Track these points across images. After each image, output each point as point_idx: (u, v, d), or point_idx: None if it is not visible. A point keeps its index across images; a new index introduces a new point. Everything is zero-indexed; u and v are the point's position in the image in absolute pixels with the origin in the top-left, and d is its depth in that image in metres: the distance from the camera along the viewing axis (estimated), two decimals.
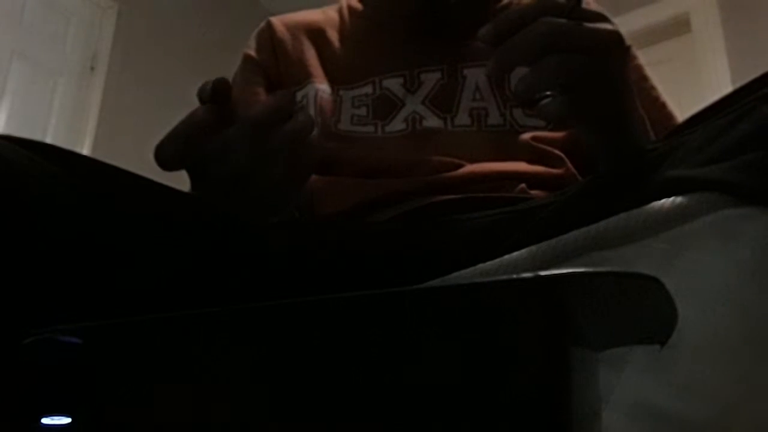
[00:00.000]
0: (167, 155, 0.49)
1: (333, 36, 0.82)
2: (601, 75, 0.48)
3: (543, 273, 0.24)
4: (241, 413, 0.30)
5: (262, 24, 0.85)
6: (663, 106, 0.76)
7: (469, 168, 0.66)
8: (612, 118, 0.53)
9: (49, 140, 2.81)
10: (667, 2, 3.10)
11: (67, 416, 0.32)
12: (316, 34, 0.82)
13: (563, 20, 0.45)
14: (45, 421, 0.32)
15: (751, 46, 2.79)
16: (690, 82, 2.84)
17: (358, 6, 0.85)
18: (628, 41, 0.76)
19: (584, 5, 0.47)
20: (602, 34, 0.47)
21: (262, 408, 0.30)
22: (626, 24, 0.80)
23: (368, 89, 0.75)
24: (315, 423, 0.29)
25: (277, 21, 0.84)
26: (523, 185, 0.64)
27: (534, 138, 0.69)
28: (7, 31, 2.79)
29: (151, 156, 0.48)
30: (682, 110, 0.76)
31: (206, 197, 0.52)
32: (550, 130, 0.70)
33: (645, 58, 0.78)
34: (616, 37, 0.47)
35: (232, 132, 0.49)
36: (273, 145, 0.49)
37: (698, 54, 2.95)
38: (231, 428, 0.30)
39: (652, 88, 0.77)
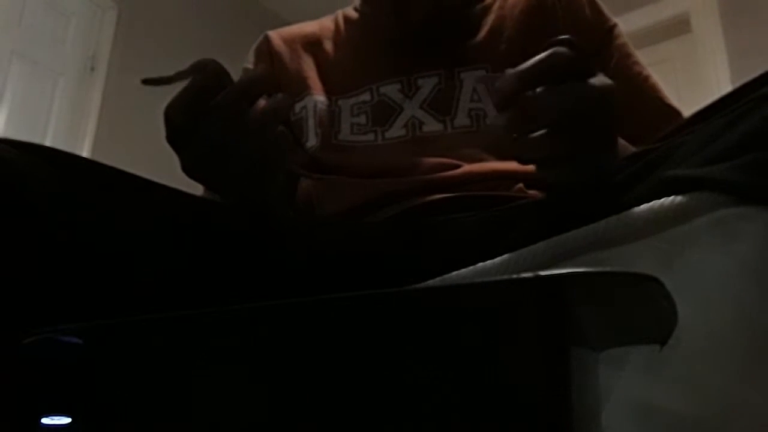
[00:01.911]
0: (175, 110, 0.51)
1: (329, 46, 0.83)
2: (605, 130, 0.50)
3: (543, 273, 0.24)
4: (241, 413, 0.30)
5: (260, 38, 0.87)
6: (646, 79, 0.76)
7: (467, 168, 0.66)
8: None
9: (49, 140, 2.81)
10: (667, 2, 3.10)
11: (67, 416, 0.32)
12: (312, 45, 0.83)
13: (583, 86, 0.47)
14: (45, 421, 0.32)
15: (751, 46, 2.79)
16: (690, 82, 2.84)
17: (354, 15, 0.86)
18: (624, 30, 0.77)
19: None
20: (609, 92, 0.48)
21: (261, 407, 0.30)
22: (626, 24, 0.80)
23: (366, 96, 0.76)
24: (315, 423, 0.29)
25: (274, 34, 0.86)
26: (520, 185, 0.64)
27: None
28: (7, 31, 2.78)
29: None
30: (682, 110, 0.77)
31: (190, 171, 0.54)
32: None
33: (645, 58, 0.78)
34: (613, 89, 0.49)
35: (219, 98, 0.51)
36: (252, 117, 0.51)
37: (698, 54, 2.95)
38: (231, 428, 0.30)
39: (635, 63, 0.77)
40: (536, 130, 0.46)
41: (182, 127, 0.52)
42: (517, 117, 0.46)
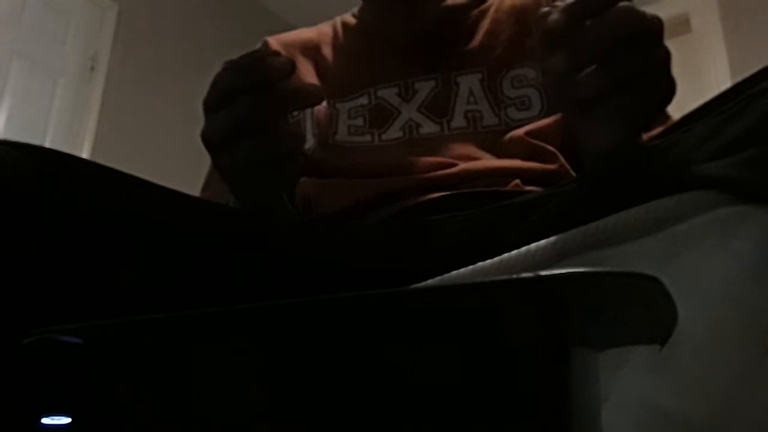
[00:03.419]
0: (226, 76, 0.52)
1: (327, 51, 0.84)
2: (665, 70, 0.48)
3: (543, 273, 0.24)
4: (241, 413, 0.30)
5: (258, 45, 0.88)
6: None
7: (463, 166, 0.66)
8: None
9: (49, 140, 2.81)
10: (667, 2, 3.10)
11: (67, 416, 0.32)
12: (311, 50, 0.84)
13: (633, 11, 0.45)
14: (45, 421, 0.32)
15: (751, 46, 2.79)
16: (690, 82, 2.84)
17: (352, 21, 0.87)
18: None
19: None
20: (659, 24, 0.47)
21: (262, 408, 0.30)
22: None
23: (364, 100, 0.77)
24: (315, 423, 0.29)
25: (272, 40, 0.87)
26: (517, 181, 0.64)
27: (528, 133, 0.69)
28: (7, 31, 2.78)
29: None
30: (682, 110, 0.76)
31: (205, 136, 0.54)
32: (544, 116, 0.71)
33: None
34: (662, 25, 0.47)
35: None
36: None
37: (698, 54, 2.96)
38: (231, 428, 0.30)
39: None
40: (588, 66, 0.45)
41: (223, 93, 0.52)
42: (570, 53, 0.44)
